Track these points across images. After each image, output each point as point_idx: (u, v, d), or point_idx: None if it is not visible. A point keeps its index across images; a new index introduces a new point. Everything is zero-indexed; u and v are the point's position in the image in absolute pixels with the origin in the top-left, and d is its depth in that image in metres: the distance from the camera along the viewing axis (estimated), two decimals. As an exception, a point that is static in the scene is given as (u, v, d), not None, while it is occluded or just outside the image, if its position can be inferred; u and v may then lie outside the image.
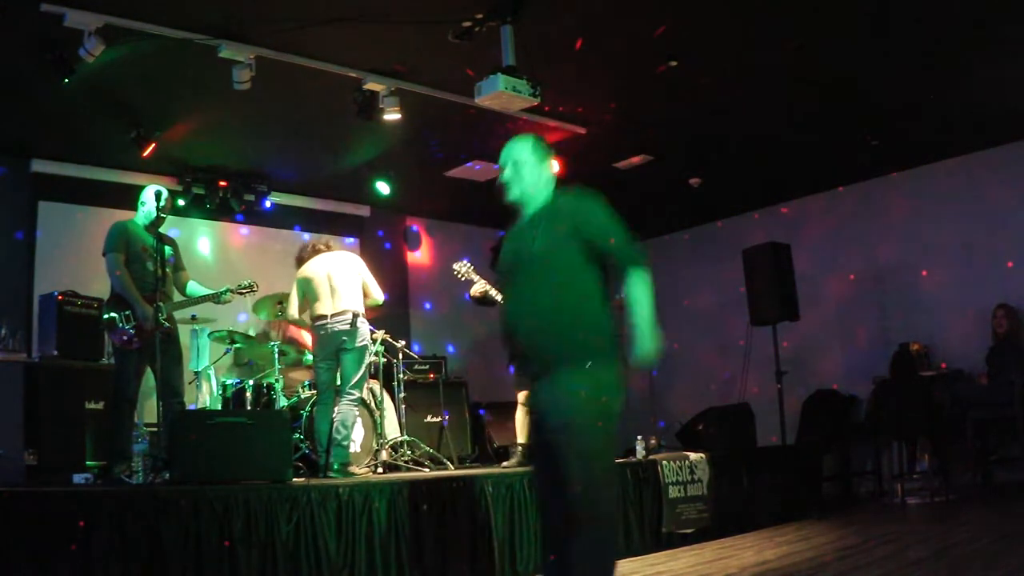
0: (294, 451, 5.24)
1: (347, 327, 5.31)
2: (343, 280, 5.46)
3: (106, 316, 4.87)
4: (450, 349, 8.83)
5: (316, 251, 5.66)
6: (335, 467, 5.12)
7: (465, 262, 5.90)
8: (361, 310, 5.42)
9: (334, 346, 5.36)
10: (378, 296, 5.63)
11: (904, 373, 7.09)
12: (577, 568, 2.65)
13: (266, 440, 4.34)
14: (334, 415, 5.28)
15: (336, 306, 5.38)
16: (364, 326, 5.41)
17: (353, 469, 5.29)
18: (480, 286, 5.77)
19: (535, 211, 2.96)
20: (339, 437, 5.22)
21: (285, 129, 6.50)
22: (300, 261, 5.68)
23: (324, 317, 5.38)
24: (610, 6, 4.84)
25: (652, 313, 2.71)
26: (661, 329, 2.73)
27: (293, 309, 5.62)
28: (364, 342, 5.39)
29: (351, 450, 5.49)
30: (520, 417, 5.93)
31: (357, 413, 5.53)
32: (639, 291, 2.73)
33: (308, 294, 5.50)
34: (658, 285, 2.88)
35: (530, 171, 2.99)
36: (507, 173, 3.01)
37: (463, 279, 5.87)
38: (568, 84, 5.73)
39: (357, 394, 5.41)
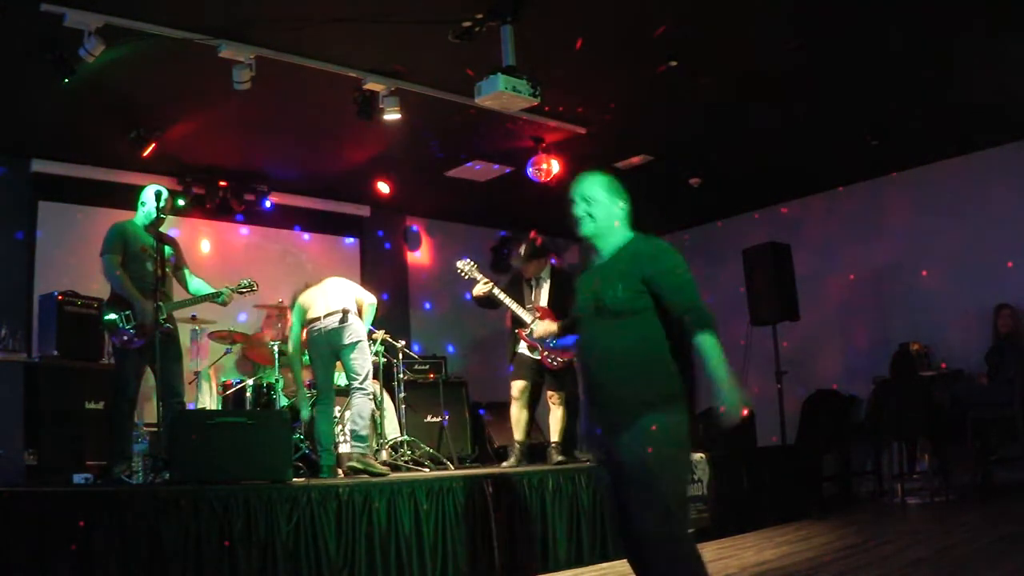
0: (294, 451, 5.24)
1: (337, 324, 5.32)
2: (335, 288, 5.54)
3: (106, 318, 4.87)
4: (450, 349, 8.83)
5: (308, 286, 5.71)
6: (353, 459, 5.12)
7: (468, 260, 5.89)
8: (353, 308, 5.43)
9: (329, 346, 5.36)
10: (370, 299, 5.67)
11: (904, 373, 7.09)
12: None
13: (266, 440, 4.34)
14: (349, 409, 5.27)
15: (328, 307, 5.40)
16: (357, 322, 5.41)
17: (371, 460, 5.24)
18: (482, 286, 5.76)
19: (611, 254, 3.03)
20: (357, 428, 5.21)
21: (285, 129, 6.50)
22: (295, 297, 5.70)
23: (317, 319, 5.39)
24: (610, 6, 4.83)
25: (726, 369, 2.77)
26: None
27: (291, 345, 5.65)
28: (358, 337, 5.37)
29: (350, 451, 5.49)
30: (515, 413, 5.91)
31: (372, 405, 5.53)
32: (712, 352, 2.78)
33: (303, 315, 5.53)
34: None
35: (602, 210, 3.05)
36: (579, 209, 3.06)
37: (466, 277, 5.85)
38: (568, 84, 5.73)
39: (369, 387, 5.39)
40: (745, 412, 2.77)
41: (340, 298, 5.45)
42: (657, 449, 2.76)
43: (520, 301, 5.82)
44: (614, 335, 2.89)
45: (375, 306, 5.71)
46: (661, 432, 2.77)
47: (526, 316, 5.75)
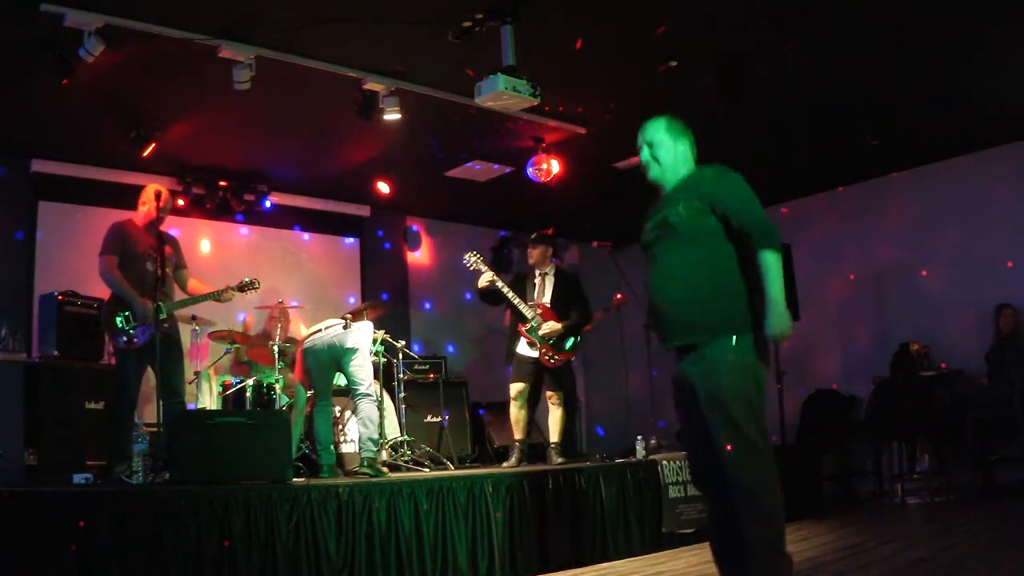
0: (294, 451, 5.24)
1: (341, 330, 5.27)
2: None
3: (108, 319, 4.88)
4: (450, 349, 8.83)
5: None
6: (364, 463, 5.11)
7: (475, 252, 5.93)
8: (349, 317, 5.41)
9: (330, 355, 5.29)
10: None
11: (904, 373, 7.09)
12: (750, 539, 2.80)
13: (266, 440, 4.34)
14: (356, 416, 5.26)
15: (328, 321, 5.39)
16: (358, 329, 5.33)
17: (379, 465, 5.24)
18: (488, 276, 5.79)
19: (674, 185, 3.07)
20: (367, 432, 5.16)
21: (285, 129, 6.50)
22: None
23: (317, 331, 5.35)
24: (610, 6, 4.83)
25: (782, 290, 2.81)
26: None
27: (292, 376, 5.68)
28: (359, 344, 5.29)
29: (350, 451, 5.49)
30: (515, 413, 5.92)
31: (377, 409, 5.52)
32: (771, 270, 2.81)
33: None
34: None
35: (666, 151, 3.18)
36: (644, 154, 3.13)
37: (472, 268, 5.89)
38: (568, 84, 5.73)
39: (374, 393, 5.35)
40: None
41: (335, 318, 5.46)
42: (727, 375, 2.78)
43: (523, 297, 5.87)
44: (679, 255, 2.90)
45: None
46: (729, 359, 2.79)
47: (527, 312, 5.80)
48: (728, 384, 2.78)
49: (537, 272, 6.04)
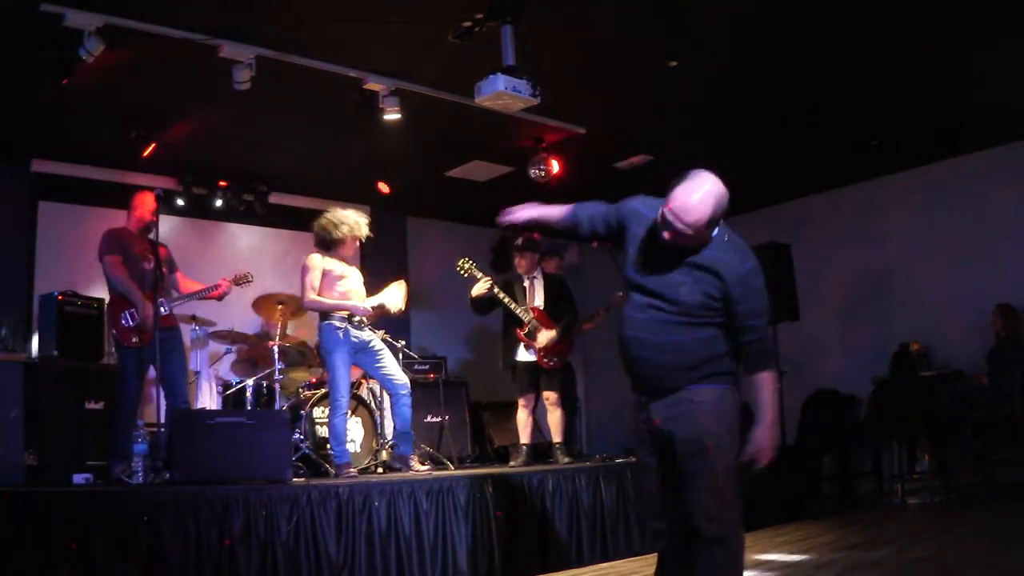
0: (294, 451, 5.24)
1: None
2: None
3: (113, 317, 4.93)
4: (450, 349, 8.82)
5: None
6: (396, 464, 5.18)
7: (468, 259, 5.93)
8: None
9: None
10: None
11: (904, 373, 7.09)
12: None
13: (266, 440, 4.34)
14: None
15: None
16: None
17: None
18: (483, 284, 5.81)
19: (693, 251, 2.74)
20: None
21: (285, 129, 6.50)
22: None
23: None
24: (610, 6, 4.83)
25: (776, 412, 2.78)
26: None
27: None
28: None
29: (352, 451, 5.49)
30: (523, 419, 5.99)
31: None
32: (767, 388, 2.78)
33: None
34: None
35: None
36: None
37: (466, 275, 5.90)
38: (568, 84, 5.73)
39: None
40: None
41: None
42: (707, 419, 2.76)
43: (516, 301, 5.90)
44: (671, 326, 2.77)
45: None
46: (709, 403, 2.76)
47: (523, 316, 5.84)
48: (708, 430, 2.76)
49: (525, 276, 6.06)
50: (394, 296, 5.42)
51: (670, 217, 2.63)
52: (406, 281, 5.61)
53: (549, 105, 5.57)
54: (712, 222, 2.68)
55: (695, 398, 2.75)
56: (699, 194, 2.66)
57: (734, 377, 2.82)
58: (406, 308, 5.67)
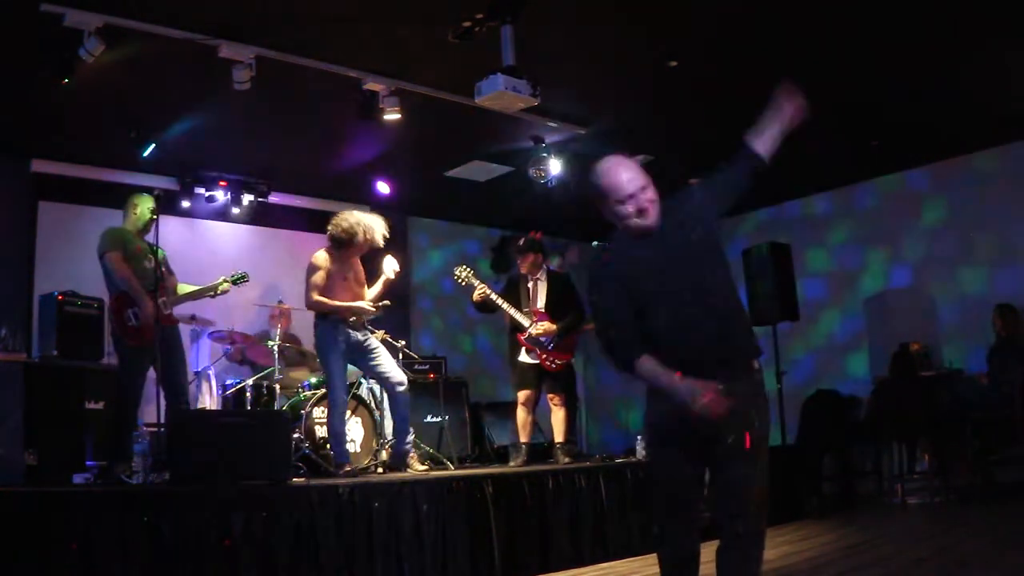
0: (294, 451, 5.24)
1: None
2: None
3: (117, 316, 4.94)
4: (450, 349, 8.82)
5: None
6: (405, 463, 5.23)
7: (465, 267, 5.96)
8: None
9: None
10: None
11: (904, 373, 7.09)
12: (748, 553, 2.59)
13: (266, 440, 4.34)
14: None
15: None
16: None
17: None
18: (480, 291, 5.83)
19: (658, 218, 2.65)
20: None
21: (285, 129, 6.50)
22: None
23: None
24: (610, 6, 4.83)
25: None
26: None
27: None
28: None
29: (352, 451, 5.49)
30: (522, 418, 5.99)
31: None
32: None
33: None
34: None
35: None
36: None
37: (463, 284, 5.93)
38: (568, 84, 5.73)
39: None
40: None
41: None
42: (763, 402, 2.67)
43: (517, 305, 5.90)
44: (702, 285, 2.72)
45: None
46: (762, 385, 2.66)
47: (523, 320, 5.85)
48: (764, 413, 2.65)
49: (529, 276, 6.06)
50: (388, 267, 5.42)
51: (624, 197, 2.63)
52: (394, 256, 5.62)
53: (549, 105, 5.58)
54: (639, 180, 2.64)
55: (756, 377, 2.62)
56: (610, 164, 2.75)
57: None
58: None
